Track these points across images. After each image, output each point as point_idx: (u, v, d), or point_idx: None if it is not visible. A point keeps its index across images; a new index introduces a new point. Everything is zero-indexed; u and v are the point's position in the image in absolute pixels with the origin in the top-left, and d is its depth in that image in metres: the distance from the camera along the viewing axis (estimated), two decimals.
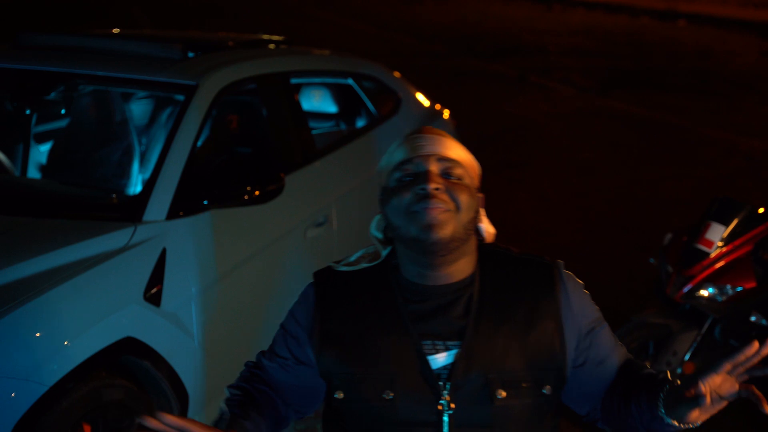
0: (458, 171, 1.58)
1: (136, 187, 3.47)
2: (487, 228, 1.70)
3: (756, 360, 1.41)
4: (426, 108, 4.94)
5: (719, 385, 1.42)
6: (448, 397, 1.53)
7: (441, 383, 1.54)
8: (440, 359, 1.55)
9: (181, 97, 3.37)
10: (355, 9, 21.48)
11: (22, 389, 2.40)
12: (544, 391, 1.57)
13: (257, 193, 3.13)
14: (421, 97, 4.96)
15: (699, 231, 3.43)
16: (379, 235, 1.68)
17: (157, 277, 2.83)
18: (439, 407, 1.53)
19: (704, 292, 3.34)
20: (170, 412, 2.83)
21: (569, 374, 1.62)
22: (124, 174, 3.47)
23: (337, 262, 1.70)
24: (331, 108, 4.61)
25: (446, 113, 5.13)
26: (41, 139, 3.93)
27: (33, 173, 3.81)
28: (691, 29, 18.73)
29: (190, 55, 3.65)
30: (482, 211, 1.67)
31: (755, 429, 3.77)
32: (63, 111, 3.78)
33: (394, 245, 1.66)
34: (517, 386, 1.54)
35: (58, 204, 3.11)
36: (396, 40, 16.07)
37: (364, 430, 1.59)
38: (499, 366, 1.55)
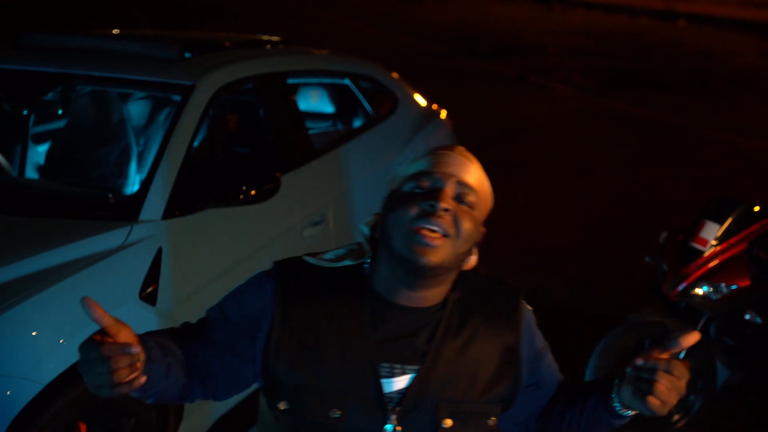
0: (471, 198, 1.55)
1: (133, 187, 3.48)
2: (472, 259, 1.67)
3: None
4: (423, 108, 4.95)
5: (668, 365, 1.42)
6: (395, 421, 1.51)
7: (391, 407, 1.52)
8: (396, 383, 1.53)
9: (178, 97, 3.38)
10: (355, 9, 21.50)
11: (18, 387, 2.42)
12: (489, 422, 1.57)
13: (253, 192, 3.14)
14: (418, 97, 4.97)
15: (694, 229, 3.44)
16: (367, 232, 1.63)
17: (152, 276, 2.84)
18: None
19: (699, 291, 3.34)
20: (166, 410, 2.85)
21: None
22: (122, 174, 3.48)
23: (315, 255, 1.64)
24: (328, 108, 4.62)
25: (443, 113, 5.13)
26: (39, 139, 3.94)
27: (31, 173, 3.82)
28: (691, 29, 18.73)
29: (187, 55, 3.67)
30: (476, 252, 1.64)
31: (757, 429, 3.78)
32: (60, 111, 3.79)
33: (376, 251, 1.59)
34: (464, 417, 1.54)
35: (54, 204, 3.12)
36: (396, 40, 16.08)
37: None
38: (453, 396, 1.54)
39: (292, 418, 1.53)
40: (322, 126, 4.61)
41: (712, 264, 3.36)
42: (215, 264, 3.13)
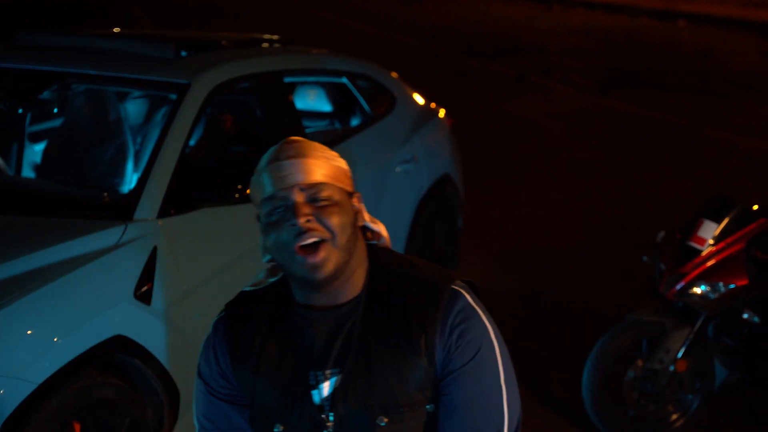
0: (325, 193, 1.53)
1: (130, 186, 3.48)
2: (377, 227, 1.66)
3: None
4: (421, 107, 4.94)
5: None
6: (330, 426, 1.53)
7: (324, 415, 1.54)
8: (324, 390, 1.55)
9: (173, 96, 3.38)
10: (355, 9, 21.49)
11: (12, 387, 2.41)
12: (428, 407, 1.55)
13: (249, 191, 3.13)
14: (416, 96, 4.96)
15: (692, 229, 3.43)
16: (266, 258, 1.65)
17: (147, 275, 2.83)
18: None
19: (697, 290, 3.33)
20: (161, 409, 2.84)
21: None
22: (118, 173, 3.48)
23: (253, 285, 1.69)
24: (326, 107, 4.62)
25: (442, 112, 5.13)
26: (36, 138, 3.94)
27: (27, 173, 3.82)
28: (691, 29, 18.73)
29: (183, 54, 3.66)
30: (363, 210, 1.62)
31: (756, 429, 3.78)
32: (56, 110, 3.79)
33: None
34: (397, 411, 1.53)
35: (50, 203, 3.12)
36: (396, 40, 16.08)
37: None
38: (378, 393, 1.53)
39: None
40: (319, 125, 4.60)
41: (709, 263, 3.34)
42: (210, 264, 3.13)
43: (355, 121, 4.64)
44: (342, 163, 1.62)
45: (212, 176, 3.30)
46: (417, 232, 4.55)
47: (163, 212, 3.00)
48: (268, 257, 1.63)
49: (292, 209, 1.52)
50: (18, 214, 2.99)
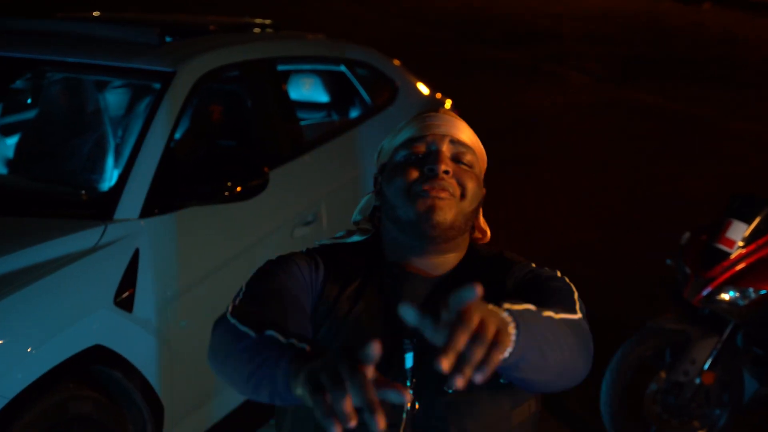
0: (469, 157, 1.61)
1: (110, 183, 3.46)
2: (484, 227, 1.73)
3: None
4: (426, 97, 4.92)
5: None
6: (411, 395, 1.52)
7: (408, 382, 1.54)
8: (409, 357, 1.56)
9: (157, 85, 3.37)
10: None
11: None
12: (502, 380, 1.53)
13: (239, 189, 3.13)
14: (420, 85, 4.94)
15: (719, 229, 3.41)
16: (360, 218, 1.69)
17: (128, 280, 2.82)
18: (407, 405, 1.53)
19: (725, 296, 3.32)
20: (144, 426, 2.82)
21: None
22: (97, 168, 3.47)
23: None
24: (322, 97, 4.62)
25: (448, 103, 5.11)
26: (8, 131, 3.92)
27: None
28: (716, 12, 18.71)
29: (168, 39, 3.66)
30: (479, 209, 1.69)
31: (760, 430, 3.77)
32: (30, 100, 3.78)
33: (380, 231, 1.66)
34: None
35: (22, 201, 3.11)
36: (401, 27, 16.09)
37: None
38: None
39: None
40: (315, 117, 4.61)
41: (739, 267, 3.33)
42: (197, 267, 3.12)
43: (354, 113, 4.64)
44: (485, 153, 1.70)
45: (199, 172, 3.29)
46: None
47: (146, 211, 2.99)
48: (359, 218, 1.70)
49: (436, 155, 1.57)
50: None
